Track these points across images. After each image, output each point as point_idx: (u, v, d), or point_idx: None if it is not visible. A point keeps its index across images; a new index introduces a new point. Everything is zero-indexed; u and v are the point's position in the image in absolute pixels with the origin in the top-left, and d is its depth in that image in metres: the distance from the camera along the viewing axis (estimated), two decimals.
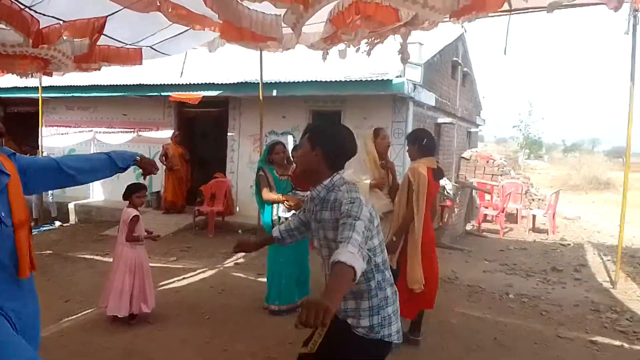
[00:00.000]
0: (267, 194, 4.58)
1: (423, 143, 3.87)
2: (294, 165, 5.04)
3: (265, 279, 4.88)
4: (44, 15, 4.72)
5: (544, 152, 48.87)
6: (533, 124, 37.45)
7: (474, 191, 9.43)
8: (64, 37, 5.11)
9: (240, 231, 8.60)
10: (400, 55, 4.22)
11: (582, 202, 16.41)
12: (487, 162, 12.79)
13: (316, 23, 3.97)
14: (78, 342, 3.92)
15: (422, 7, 3.09)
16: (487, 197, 10.90)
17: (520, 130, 38.22)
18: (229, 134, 9.75)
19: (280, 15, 4.00)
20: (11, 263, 1.93)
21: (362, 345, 1.98)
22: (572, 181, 21.94)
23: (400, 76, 7.66)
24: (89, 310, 4.62)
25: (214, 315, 4.61)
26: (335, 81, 7.85)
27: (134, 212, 4.35)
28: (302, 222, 2.37)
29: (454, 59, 12.09)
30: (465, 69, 13.49)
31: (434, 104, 9.61)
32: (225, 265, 6.51)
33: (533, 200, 12.42)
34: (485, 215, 10.53)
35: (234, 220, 9.00)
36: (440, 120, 10.53)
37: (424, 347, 3.96)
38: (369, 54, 4.44)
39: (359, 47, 4.41)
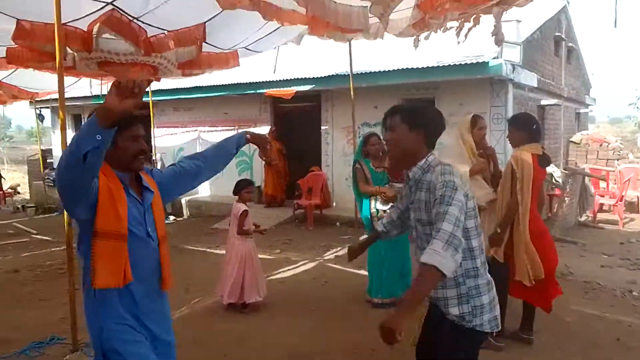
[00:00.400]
0: (364, 187, 4.57)
1: (533, 128, 3.61)
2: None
3: (366, 272, 4.89)
4: (150, 25, 5.13)
5: None
6: None
7: (586, 178, 8.64)
8: (170, 46, 5.50)
9: (338, 223, 8.70)
10: (495, 36, 3.95)
11: None
12: (601, 145, 11.70)
13: (403, 9, 3.86)
14: (197, 328, 4.23)
15: None
16: (602, 184, 9.95)
17: (637, 108, 34.30)
18: (322, 127, 9.89)
19: (366, 6, 3.95)
20: (155, 277, 2.03)
21: (454, 332, 1.93)
22: None
23: (497, 57, 7.23)
24: (205, 299, 4.97)
25: (318, 306, 4.74)
26: (427, 67, 7.62)
27: (243, 207, 4.58)
28: (401, 211, 2.33)
29: (557, 34, 11.12)
30: (570, 44, 12.36)
31: (536, 85, 8.94)
32: (326, 258, 6.65)
33: None
34: (602, 204, 9.61)
35: (332, 213, 9.14)
36: (544, 102, 9.77)
37: (537, 345, 3.72)
38: (459, 37, 4.23)
39: (451, 31, 4.21)
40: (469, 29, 4.46)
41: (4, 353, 3.72)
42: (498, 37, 4.19)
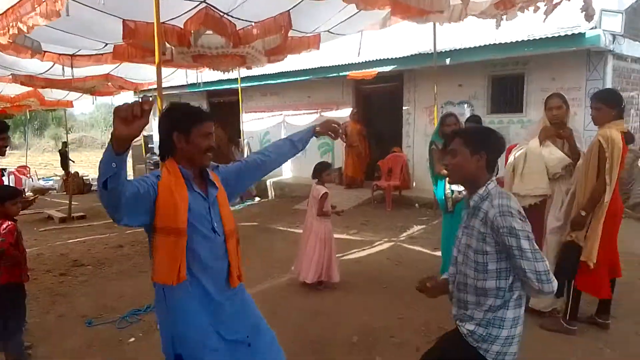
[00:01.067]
0: (440, 167, 4.58)
1: (622, 105, 3.44)
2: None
3: (440, 253, 4.93)
4: (239, 19, 5.46)
5: None
6: None
7: None
8: (257, 35, 5.81)
9: (417, 205, 8.70)
10: (584, 12, 3.74)
11: None
12: None
13: None
14: (276, 302, 4.54)
15: None
16: None
17: None
18: (404, 107, 9.84)
19: None
20: (223, 273, 2.04)
21: (460, 344, 1.99)
22: None
23: (595, 27, 6.71)
24: (285, 275, 5.29)
25: (391, 285, 4.86)
26: (516, 41, 7.28)
27: (323, 189, 4.77)
28: None
29: None
30: None
31: None
32: (402, 239, 6.73)
33: None
34: None
35: (411, 194, 9.14)
36: None
37: (614, 331, 3.59)
38: (547, 14, 4.04)
39: (537, 8, 4.04)
40: (557, 3, 4.25)
41: (109, 318, 4.27)
42: (588, 12, 3.98)
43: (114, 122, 1.52)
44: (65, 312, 4.48)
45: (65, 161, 14.75)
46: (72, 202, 9.70)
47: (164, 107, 3.38)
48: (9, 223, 3.03)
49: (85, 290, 5.11)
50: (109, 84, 9.45)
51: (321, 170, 4.87)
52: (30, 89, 9.84)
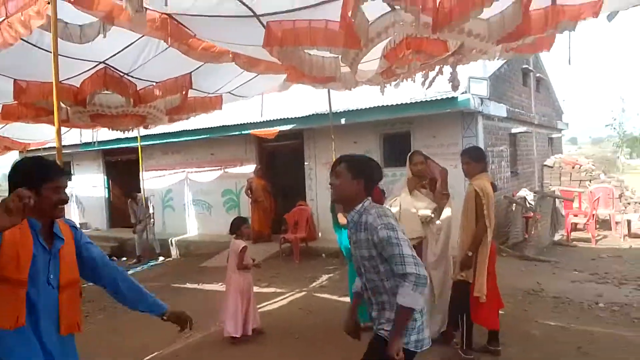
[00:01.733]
0: (342, 218, 4.93)
1: (486, 160, 4.10)
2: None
3: (349, 299, 5.18)
4: (139, 79, 5.57)
5: None
6: (628, 121, 34.78)
7: (557, 200, 9.13)
8: (158, 95, 5.92)
9: (324, 255, 9.01)
10: (451, 82, 4.45)
11: None
12: (573, 167, 12.29)
13: (372, 60, 4.33)
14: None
15: (467, 36, 3.34)
16: (575, 204, 10.46)
17: (614, 129, 35.63)
18: (305, 163, 10.32)
19: (338, 57, 4.42)
20: (53, 322, 2.07)
21: (383, 346, 2.24)
22: None
23: (466, 92, 7.78)
24: (198, 334, 5.18)
25: (304, 334, 5.00)
26: (401, 104, 8.14)
27: (242, 243, 4.97)
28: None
29: (524, 66, 11.86)
30: (538, 75, 13.13)
31: (505, 115, 9.52)
32: (311, 288, 6.92)
33: (629, 204, 11.66)
34: (576, 224, 10.11)
35: (317, 245, 9.45)
36: (514, 130, 10.36)
37: (505, 357, 4.04)
38: (426, 85, 4.71)
39: (415, 78, 4.70)
40: (434, 77, 4.98)
41: None
42: (454, 84, 4.71)
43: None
44: None
45: None
46: None
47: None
48: None
49: None
50: None
51: (239, 225, 5.07)
52: None
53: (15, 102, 5.53)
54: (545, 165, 12.77)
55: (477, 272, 3.90)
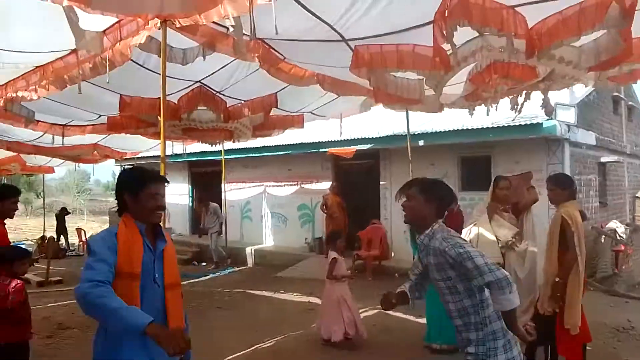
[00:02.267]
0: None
1: (574, 187, 3.96)
2: (446, 212, 5.36)
3: (423, 320, 5.15)
4: (230, 97, 5.96)
5: None
6: None
7: None
8: (246, 113, 6.30)
9: (397, 275, 8.95)
10: (544, 109, 4.36)
11: None
12: None
13: (457, 83, 4.36)
14: None
15: (558, 62, 3.30)
16: None
17: None
18: (381, 182, 10.36)
19: (423, 79, 4.49)
20: (160, 317, 2.16)
21: None
22: None
23: (552, 118, 7.49)
24: (275, 338, 5.45)
25: (378, 350, 5.05)
26: (482, 128, 7.98)
27: (333, 254, 5.21)
28: (418, 274, 2.69)
29: (615, 94, 11.18)
30: (630, 103, 12.32)
31: (594, 143, 9.03)
32: None
33: None
34: None
35: (390, 265, 9.41)
36: (604, 159, 9.76)
37: None
38: (516, 110, 4.66)
39: (499, 103, 4.65)
40: (522, 103, 4.90)
41: None
42: (547, 109, 4.61)
43: (168, 337, 1.85)
44: None
45: (61, 226, 14.71)
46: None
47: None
48: (18, 282, 3.18)
49: (73, 354, 5.09)
50: (95, 152, 9.75)
51: (335, 239, 5.36)
52: (14, 153, 10.01)
53: (119, 114, 6.14)
54: (638, 197, 11.85)
55: (568, 303, 3.75)
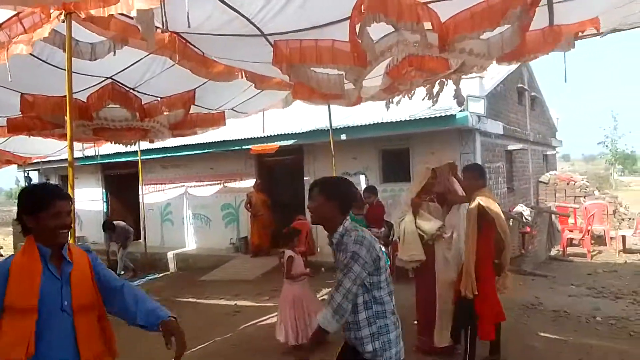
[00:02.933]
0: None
1: (486, 176, 4.24)
2: (367, 205, 5.49)
3: None
4: (145, 94, 5.67)
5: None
6: (620, 139, 35.24)
7: (553, 215, 9.25)
8: (162, 110, 6.03)
9: (323, 269, 9.05)
10: (456, 99, 4.59)
11: None
12: (568, 184, 12.45)
13: (375, 77, 4.46)
14: None
15: (468, 55, 3.48)
16: (571, 220, 10.58)
17: (606, 146, 36.12)
18: (305, 178, 10.41)
19: (342, 74, 4.55)
20: (71, 351, 1.99)
21: None
22: None
23: (464, 110, 7.93)
24: (202, 344, 5.28)
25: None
26: (400, 121, 8.28)
27: (289, 253, 5.05)
28: None
29: (519, 85, 12.10)
30: (532, 94, 13.38)
31: (502, 132, 9.70)
32: None
33: (623, 220, 11.82)
34: (571, 239, 10.21)
35: (317, 260, 9.48)
36: (510, 147, 10.53)
37: None
38: (431, 100, 4.85)
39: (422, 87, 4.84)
40: (438, 93, 5.12)
41: None
42: (459, 100, 4.86)
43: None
44: None
45: None
46: None
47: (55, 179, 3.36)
48: None
49: None
50: None
51: (292, 236, 5.19)
52: None
53: (21, 115, 5.62)
54: (541, 181, 12.93)
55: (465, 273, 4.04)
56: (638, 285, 6.83)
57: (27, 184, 14.13)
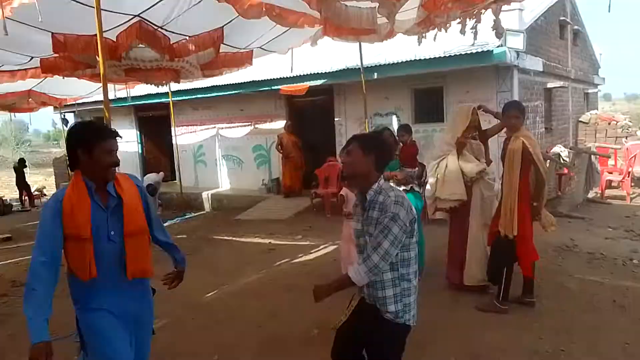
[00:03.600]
0: (387, 175, 4.96)
1: (525, 115, 4.07)
2: (401, 144, 5.40)
3: None
4: (173, 32, 5.57)
5: None
6: None
7: (592, 157, 8.92)
8: (192, 50, 5.92)
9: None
10: (495, 30, 4.33)
11: None
12: (609, 124, 11.93)
13: (409, 10, 4.23)
14: (231, 307, 4.71)
15: None
16: (611, 162, 10.20)
17: None
18: (335, 119, 10.29)
19: (375, 7, 4.32)
20: (120, 270, 2.22)
21: (390, 328, 2.35)
22: None
23: (501, 45, 7.53)
24: (234, 282, 5.45)
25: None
26: (434, 57, 7.95)
27: (343, 191, 5.01)
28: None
29: (562, 18, 11.32)
30: (575, 27, 12.55)
31: (541, 69, 9.22)
32: None
33: None
34: (610, 181, 9.89)
35: None
36: (550, 85, 10.03)
37: (540, 309, 4.12)
38: (463, 32, 4.60)
39: (459, 27, 4.59)
40: (473, 26, 4.84)
41: (61, 334, 4.11)
42: (498, 31, 4.58)
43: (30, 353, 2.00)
44: (15, 331, 4.32)
45: (21, 179, 14.21)
46: None
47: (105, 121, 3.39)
48: None
49: None
50: (30, 100, 9.06)
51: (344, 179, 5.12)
52: None
53: (54, 55, 5.64)
54: (581, 121, 12.41)
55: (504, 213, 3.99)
56: None
57: (64, 125, 14.50)
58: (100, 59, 3.85)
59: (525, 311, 4.07)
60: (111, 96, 9.80)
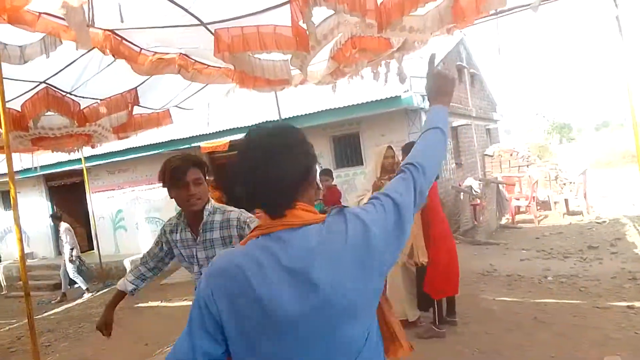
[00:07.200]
0: None
1: None
2: (323, 189, 5.54)
3: None
4: (83, 97, 5.43)
5: (575, 134, 48.10)
6: (556, 109, 37.27)
7: (500, 185, 9.66)
8: (103, 113, 5.79)
9: None
10: (399, 76, 4.68)
11: (619, 178, 16.24)
12: (511, 155, 12.99)
13: (320, 61, 4.48)
14: None
15: (408, 32, 3.55)
16: (517, 189, 11.08)
17: (543, 117, 38.16)
18: None
19: (287, 60, 4.52)
20: None
21: None
22: (605, 158, 21.70)
23: (408, 91, 8.10)
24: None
25: None
26: (349, 105, 8.35)
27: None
28: (160, 258, 2.72)
29: (458, 63, 12.46)
30: (472, 71, 13.82)
31: None
32: None
33: (565, 184, 12.46)
34: (519, 207, 10.70)
35: None
36: (455, 124, 10.86)
37: (468, 332, 4.31)
38: (379, 81, 4.94)
39: (368, 71, 4.91)
40: (385, 74, 5.19)
41: None
42: (401, 77, 4.94)
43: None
44: None
45: None
46: None
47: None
48: None
49: None
50: None
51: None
52: None
53: None
54: (486, 154, 13.44)
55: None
56: (583, 244, 7.25)
57: None
58: (3, 130, 3.65)
59: (457, 337, 4.22)
60: (17, 167, 9.20)
